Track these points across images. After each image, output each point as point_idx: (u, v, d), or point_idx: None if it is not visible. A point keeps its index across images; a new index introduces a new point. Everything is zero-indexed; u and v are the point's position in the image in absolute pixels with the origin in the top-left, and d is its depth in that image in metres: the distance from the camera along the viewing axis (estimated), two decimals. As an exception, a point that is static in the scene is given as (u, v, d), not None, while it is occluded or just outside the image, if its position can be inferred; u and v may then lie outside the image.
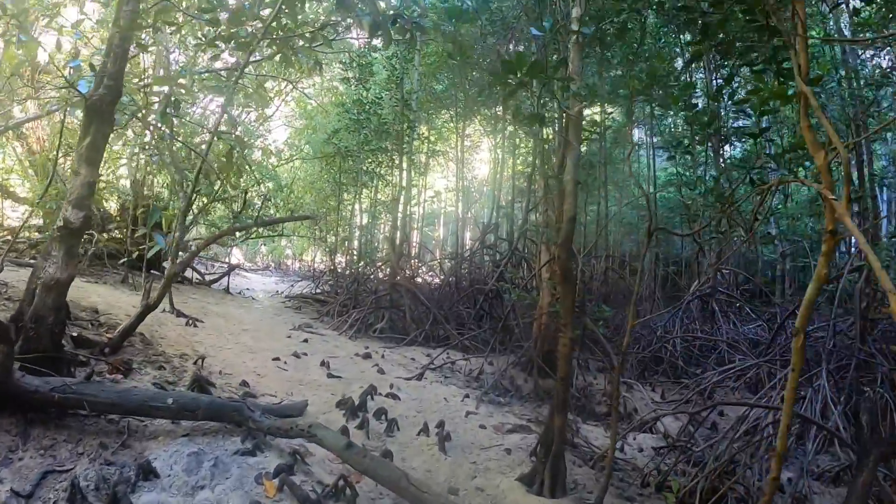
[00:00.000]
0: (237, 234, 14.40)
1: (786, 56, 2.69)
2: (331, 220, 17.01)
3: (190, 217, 10.66)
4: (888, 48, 9.17)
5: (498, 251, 12.57)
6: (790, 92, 2.82)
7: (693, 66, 10.29)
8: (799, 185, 12.90)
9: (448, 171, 22.19)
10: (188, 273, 12.95)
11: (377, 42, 12.02)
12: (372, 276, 12.72)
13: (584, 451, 4.80)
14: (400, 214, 11.97)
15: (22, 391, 3.18)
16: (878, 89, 8.83)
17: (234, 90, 4.99)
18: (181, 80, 5.44)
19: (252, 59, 7.71)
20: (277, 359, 6.37)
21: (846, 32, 9.33)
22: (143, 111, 4.74)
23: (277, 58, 6.08)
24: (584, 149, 13.52)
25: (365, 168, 12.82)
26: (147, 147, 6.13)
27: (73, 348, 4.46)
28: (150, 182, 10.46)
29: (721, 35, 2.85)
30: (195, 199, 11.11)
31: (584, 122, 3.73)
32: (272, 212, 13.63)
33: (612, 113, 11.76)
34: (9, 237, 9.42)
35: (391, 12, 5.26)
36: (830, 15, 9.30)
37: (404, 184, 12.13)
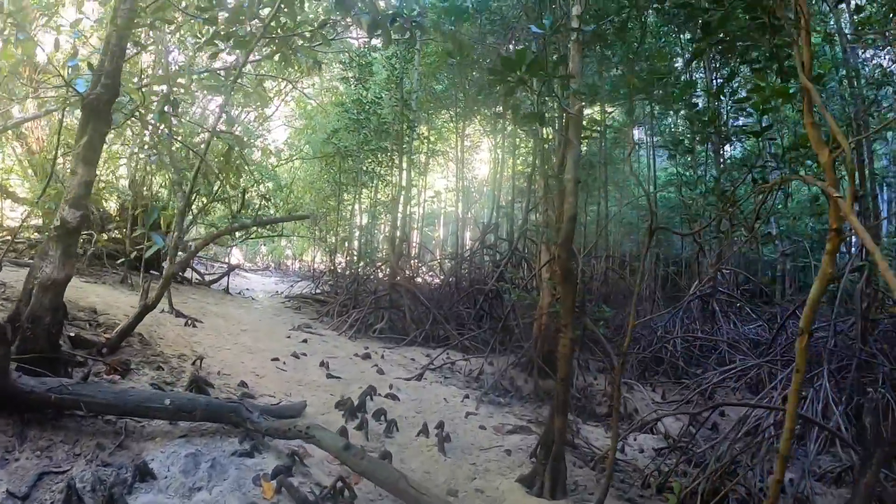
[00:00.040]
0: (237, 234, 14.39)
1: (788, 53, 2.67)
2: (331, 220, 16.99)
3: (189, 217, 10.66)
4: (888, 47, 9.15)
5: (498, 251, 12.55)
6: (792, 90, 2.80)
7: (693, 65, 10.27)
8: (800, 184, 12.89)
9: (448, 172, 22.17)
10: (188, 273, 12.93)
11: (377, 42, 12.04)
12: (372, 277, 12.70)
13: (585, 452, 4.77)
14: (400, 214, 11.95)
15: (18, 392, 3.16)
16: (878, 89, 8.80)
17: (232, 89, 4.97)
18: (180, 80, 5.43)
19: (251, 58, 7.70)
20: (276, 359, 6.35)
21: (847, 32, 9.30)
22: (142, 110, 4.71)
23: (276, 57, 6.06)
24: (584, 149, 13.52)
25: (365, 168, 12.79)
26: (146, 147, 6.11)
27: (71, 348, 4.43)
28: (149, 182, 10.43)
29: (722, 33, 2.82)
30: (195, 199, 11.12)
31: (584, 121, 3.70)
32: (272, 212, 13.60)
33: (612, 112, 11.73)
34: (8, 237, 9.41)
35: (390, 11, 5.23)
36: (831, 14, 9.28)
37: (404, 184, 12.11)
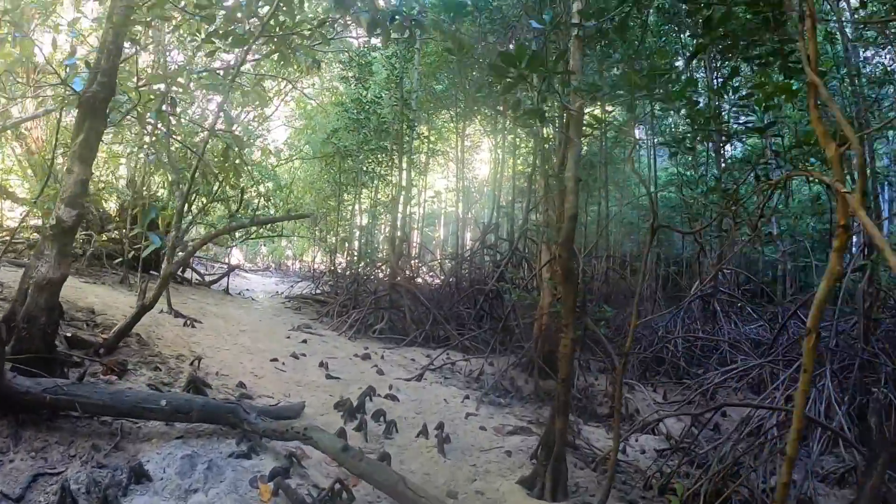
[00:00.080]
0: (236, 234, 14.38)
1: (791, 49, 2.63)
2: (331, 220, 16.97)
3: (189, 217, 10.63)
4: (889, 46, 9.11)
5: (498, 251, 12.51)
6: (795, 87, 2.76)
7: (694, 64, 10.23)
8: (801, 183, 12.85)
9: (448, 172, 22.15)
10: (188, 274, 12.91)
11: (376, 41, 12.01)
12: (372, 277, 12.67)
13: (586, 453, 4.73)
14: (400, 214, 11.91)
15: (13, 392, 3.13)
16: (880, 87, 8.77)
17: (230, 88, 4.93)
18: (179, 79, 5.39)
19: (250, 57, 7.67)
20: (276, 360, 6.31)
21: (847, 31, 9.27)
22: (140, 109, 4.67)
23: (275, 56, 6.03)
24: (584, 149, 13.49)
25: (365, 168, 12.77)
26: (145, 146, 6.08)
27: (68, 349, 4.40)
28: (148, 182, 10.40)
29: (724, 30, 2.78)
30: (194, 200, 11.09)
31: (585, 119, 3.67)
32: (272, 212, 13.58)
33: (612, 111, 11.70)
34: (7, 237, 9.38)
35: (390, 10, 5.20)
36: (832, 13, 9.24)
37: (404, 184, 12.07)
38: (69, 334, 4.60)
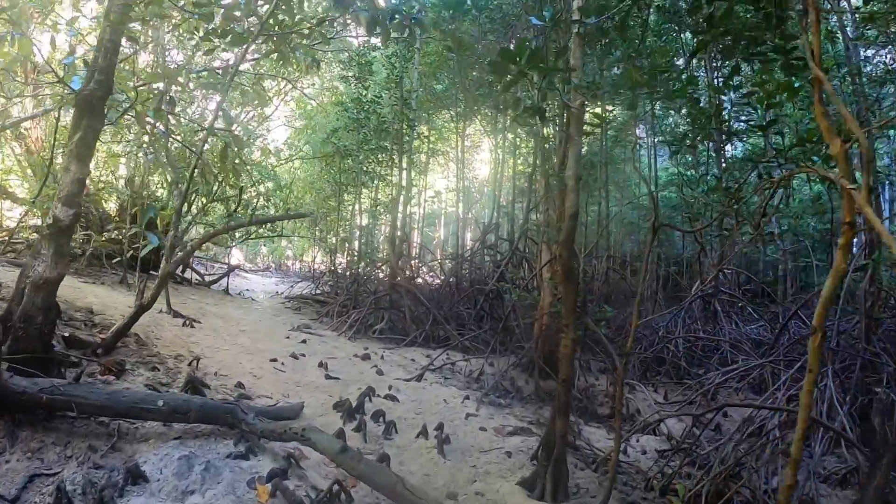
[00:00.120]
0: (236, 234, 14.36)
1: (793, 46, 2.60)
2: (331, 220, 16.95)
3: (189, 217, 10.61)
4: (890, 45, 9.08)
5: (499, 251, 12.49)
6: (797, 85, 2.74)
7: (694, 63, 10.20)
8: (802, 182, 12.82)
9: (448, 172, 22.13)
10: (188, 274, 12.90)
11: (376, 40, 11.98)
12: (372, 277, 12.64)
13: (587, 454, 4.70)
14: (400, 214, 11.88)
15: (9, 392, 3.10)
16: (881, 86, 8.74)
17: (229, 86, 4.91)
18: (178, 78, 5.37)
19: (250, 57, 7.64)
20: (275, 360, 6.29)
21: (848, 30, 9.25)
22: (139, 107, 4.65)
23: (275, 55, 6.00)
24: (585, 149, 13.47)
25: (365, 168, 12.74)
26: (144, 145, 6.06)
27: (65, 349, 4.38)
28: (147, 181, 10.37)
29: (725, 28, 2.76)
30: (194, 199, 11.07)
31: (585, 118, 3.64)
32: (272, 212, 13.57)
33: (613, 111, 11.68)
34: (6, 237, 9.36)
35: (389, 8, 5.17)
36: (832, 12, 9.21)
37: (404, 183, 12.04)
38: (67, 334, 4.58)
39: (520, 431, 4.98)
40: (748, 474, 4.23)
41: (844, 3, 8.79)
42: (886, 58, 9.94)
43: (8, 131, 9.25)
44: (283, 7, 5.39)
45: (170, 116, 5.50)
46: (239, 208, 9.57)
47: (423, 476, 3.76)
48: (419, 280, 13.30)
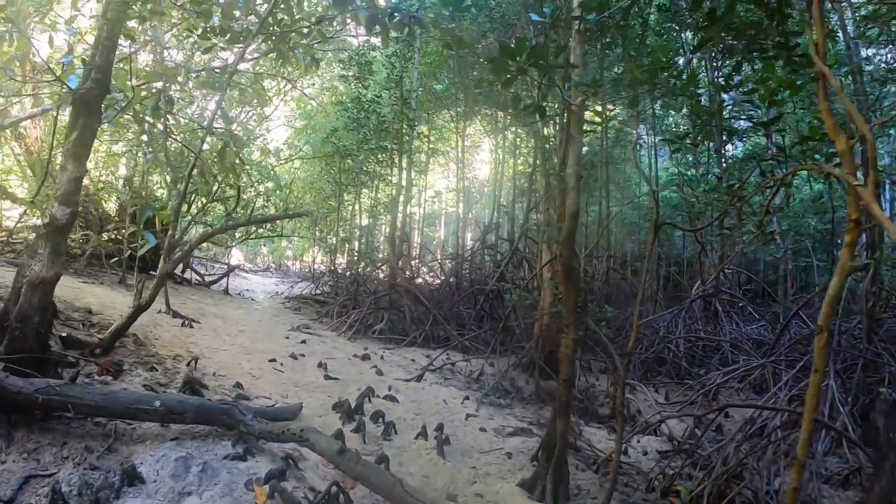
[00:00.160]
0: (236, 234, 14.35)
1: (796, 42, 2.58)
2: (331, 220, 16.92)
3: (189, 217, 10.59)
4: (891, 45, 9.05)
5: (499, 251, 12.46)
6: (799, 82, 2.71)
7: (695, 63, 10.17)
8: (802, 182, 12.78)
9: (449, 172, 22.12)
10: (187, 274, 12.88)
11: (376, 40, 11.96)
12: (372, 277, 12.62)
13: (588, 455, 4.67)
14: (400, 214, 11.85)
15: (6, 392, 3.08)
16: (882, 85, 8.72)
17: (228, 85, 4.88)
18: (175, 76, 5.34)
19: (249, 56, 7.62)
20: (274, 360, 6.26)
21: (850, 29, 9.22)
22: (137, 107, 4.62)
23: (274, 54, 5.98)
24: (585, 148, 13.45)
25: (365, 168, 12.72)
26: (142, 144, 6.03)
27: (62, 349, 4.35)
28: (146, 181, 10.35)
29: (727, 24, 2.73)
30: (194, 200, 11.05)
31: (586, 116, 3.62)
32: (272, 212, 13.56)
33: (614, 110, 11.66)
34: (5, 237, 9.34)
35: (389, 7, 5.14)
36: (833, 11, 9.18)
37: (404, 183, 12.02)
38: (64, 334, 4.55)
39: (520, 432, 4.95)
40: (750, 475, 4.20)
41: (845, 1, 8.75)
42: (887, 57, 9.92)
43: (8, 131, 9.24)
44: (283, 6, 5.37)
45: (168, 116, 5.48)
46: (237, 208, 9.53)
47: (423, 477, 3.72)
48: (419, 280, 13.28)
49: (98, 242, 9.33)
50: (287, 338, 8.13)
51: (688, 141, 3.84)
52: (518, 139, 13.82)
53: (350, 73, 11.71)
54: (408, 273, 12.05)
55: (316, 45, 6.06)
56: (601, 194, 12.92)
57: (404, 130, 11.56)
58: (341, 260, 16.32)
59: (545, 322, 7.29)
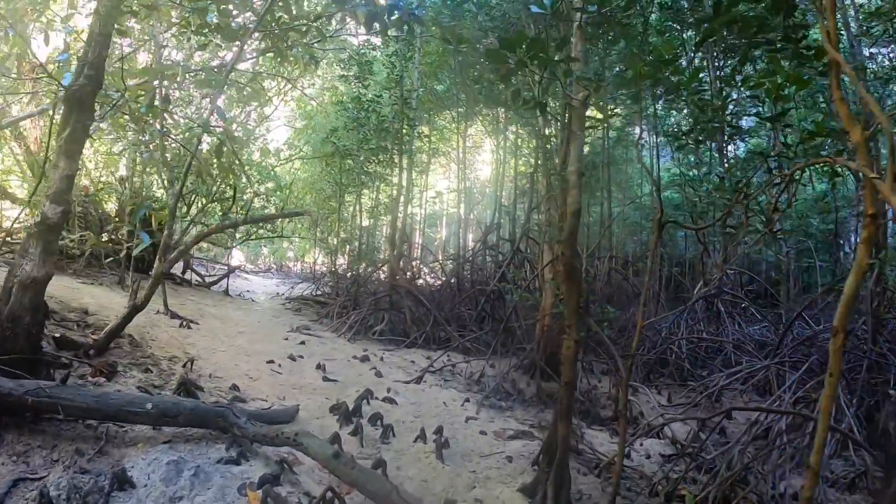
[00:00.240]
0: (237, 235, 14.30)
1: (803, 35, 2.50)
2: (331, 220, 16.88)
3: (189, 218, 10.53)
4: (894, 43, 8.97)
5: (500, 252, 12.39)
6: (806, 77, 2.64)
7: (696, 62, 10.10)
8: (804, 183, 12.70)
9: (450, 172, 22.07)
10: (187, 275, 12.83)
11: (376, 39, 11.91)
12: (373, 278, 12.55)
13: (589, 459, 4.59)
14: (400, 215, 11.79)
15: (-6, 395, 3.01)
16: (886, 83, 8.65)
17: (225, 84, 4.82)
18: (171, 73, 5.28)
19: (248, 55, 7.55)
20: (272, 361, 6.19)
21: (852, 27, 9.15)
22: (133, 105, 4.56)
23: (272, 53, 5.91)
24: (587, 149, 13.39)
25: (365, 169, 12.67)
26: (139, 144, 5.97)
27: (56, 350, 4.28)
28: (145, 181, 10.30)
29: (731, 14, 2.65)
30: (193, 200, 10.99)
31: (587, 112, 3.54)
32: (272, 212, 13.50)
33: (615, 108, 11.59)
34: (3, 237, 9.28)
35: (388, 4, 5.08)
36: (836, 9, 9.10)
37: (404, 183, 11.96)
38: (58, 335, 4.49)
39: (521, 435, 4.87)
40: (755, 479, 4.12)
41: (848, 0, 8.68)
42: (889, 55, 9.84)
43: (7, 131, 9.20)
44: (281, 4, 5.31)
45: (165, 114, 5.42)
46: (234, 207, 9.47)
47: (421, 482, 3.65)
48: (420, 281, 13.21)
49: (96, 243, 9.27)
50: (286, 339, 8.07)
51: (691, 138, 3.76)
52: (519, 139, 13.76)
53: (350, 73, 11.66)
54: (409, 274, 11.98)
55: (315, 44, 5.99)
56: (603, 195, 12.87)
57: (405, 130, 11.50)
58: (342, 261, 16.27)
59: (547, 323, 7.21)
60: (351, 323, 9.72)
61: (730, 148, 12.20)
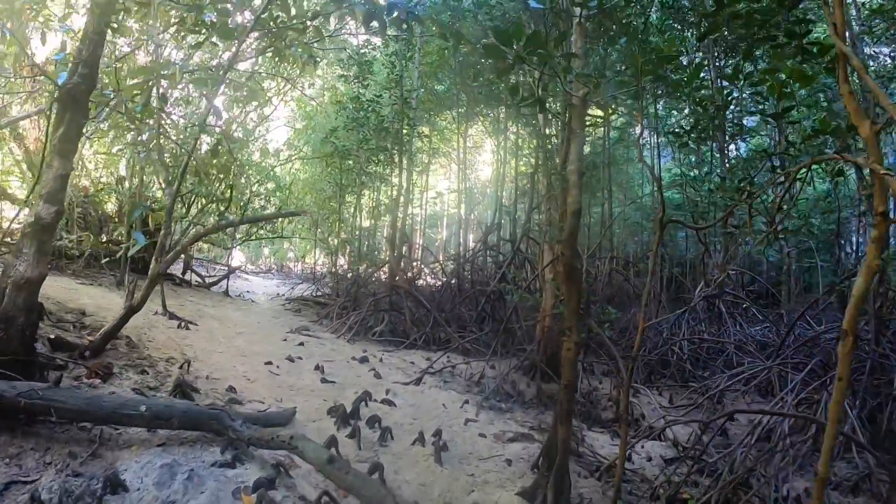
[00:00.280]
0: (237, 235, 14.26)
1: (807, 30, 2.46)
2: (332, 221, 16.85)
3: (188, 218, 10.50)
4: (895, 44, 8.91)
5: (501, 252, 12.34)
6: (809, 73, 2.59)
7: (698, 60, 10.04)
8: (806, 183, 12.63)
9: (451, 173, 22.05)
10: (187, 276, 12.79)
11: (376, 40, 11.87)
12: (373, 279, 12.50)
13: (590, 461, 4.53)
14: (400, 215, 11.75)
15: (-14, 396, 2.97)
16: (888, 82, 8.59)
17: (222, 83, 4.78)
18: (169, 73, 5.23)
19: (247, 54, 7.51)
20: (270, 363, 6.14)
21: (854, 26, 9.09)
22: (129, 104, 4.52)
23: (270, 52, 5.87)
24: (588, 149, 13.34)
25: (365, 169, 12.63)
26: (136, 143, 5.93)
27: (51, 351, 4.25)
28: (144, 181, 10.25)
29: (735, 11, 2.61)
30: (194, 201, 10.95)
31: (588, 110, 3.50)
32: (272, 212, 13.47)
33: (616, 107, 11.54)
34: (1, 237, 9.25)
35: (387, 3, 5.04)
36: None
37: (404, 183, 11.91)
38: (53, 336, 4.45)
39: (521, 438, 4.81)
40: (758, 483, 4.06)
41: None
42: (890, 55, 9.78)
43: (7, 132, 9.17)
44: (278, 2, 5.27)
45: (163, 115, 5.38)
46: (231, 206, 9.43)
47: (419, 486, 3.59)
48: (421, 281, 13.16)
49: (94, 243, 9.24)
50: (285, 340, 8.02)
51: (692, 136, 3.72)
52: (520, 139, 13.72)
53: (350, 73, 11.62)
54: (409, 274, 11.93)
55: (314, 43, 5.95)
56: (604, 195, 12.81)
57: (405, 131, 11.46)
58: (343, 261, 16.23)
59: (547, 324, 7.16)
60: (350, 324, 9.67)
61: (731, 148, 12.16)
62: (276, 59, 5.96)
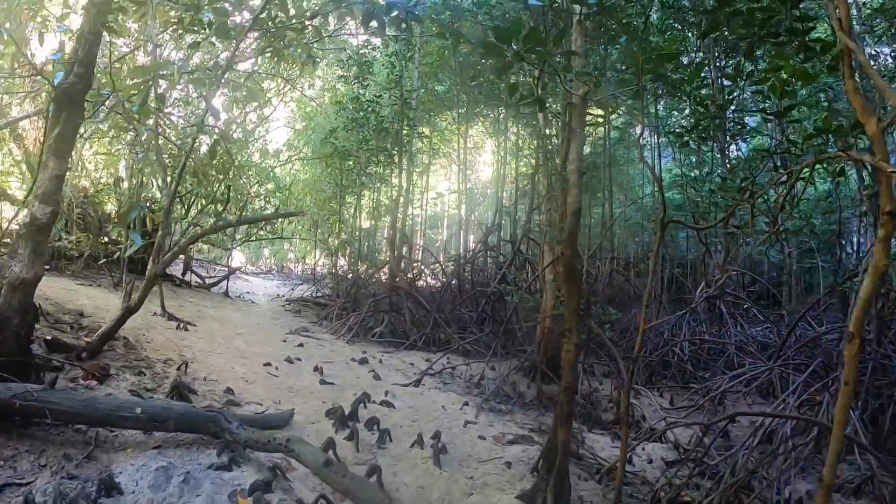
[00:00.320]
0: (237, 236, 14.24)
1: (810, 27, 2.43)
2: (332, 222, 16.84)
3: (188, 219, 10.47)
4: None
5: (501, 253, 12.31)
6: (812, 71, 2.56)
7: (699, 60, 10.02)
8: (807, 183, 12.60)
9: (451, 174, 22.03)
10: (187, 276, 12.77)
11: (376, 40, 11.84)
12: (373, 280, 12.48)
13: (590, 463, 4.50)
14: (400, 216, 11.72)
15: (-20, 399, 2.94)
16: (889, 82, 8.56)
17: (220, 82, 4.75)
18: (168, 74, 5.21)
19: (246, 54, 7.49)
20: (269, 364, 6.11)
21: (855, 24, 9.05)
22: (127, 104, 4.49)
23: (268, 52, 5.85)
24: (588, 150, 13.32)
25: (365, 170, 12.61)
26: (135, 144, 5.92)
27: (47, 352, 4.22)
28: (143, 181, 10.23)
29: (737, 7, 2.58)
30: (194, 201, 10.93)
31: (588, 114, 3.47)
32: (271, 212, 13.44)
33: (616, 106, 11.50)
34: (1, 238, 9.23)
35: (386, 2, 5.01)
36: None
37: (404, 184, 11.89)
38: (49, 337, 4.42)
39: (520, 440, 4.78)
40: (760, 485, 4.03)
41: (852, -2, 8.59)
42: (891, 55, 9.75)
43: (6, 132, 9.16)
44: (277, 2, 5.24)
45: (161, 115, 5.36)
46: (228, 206, 9.40)
47: (418, 488, 3.56)
48: (421, 282, 13.13)
49: (93, 244, 9.21)
50: (284, 341, 7.99)
51: (693, 136, 3.68)
52: (520, 140, 13.70)
53: (350, 74, 11.60)
54: (409, 275, 11.90)
55: (313, 43, 5.93)
56: (604, 195, 12.77)
57: (405, 131, 11.43)
58: (343, 262, 16.22)
59: (547, 325, 7.13)
60: (350, 325, 9.64)
61: (732, 148, 12.13)
62: (276, 59, 5.93)
